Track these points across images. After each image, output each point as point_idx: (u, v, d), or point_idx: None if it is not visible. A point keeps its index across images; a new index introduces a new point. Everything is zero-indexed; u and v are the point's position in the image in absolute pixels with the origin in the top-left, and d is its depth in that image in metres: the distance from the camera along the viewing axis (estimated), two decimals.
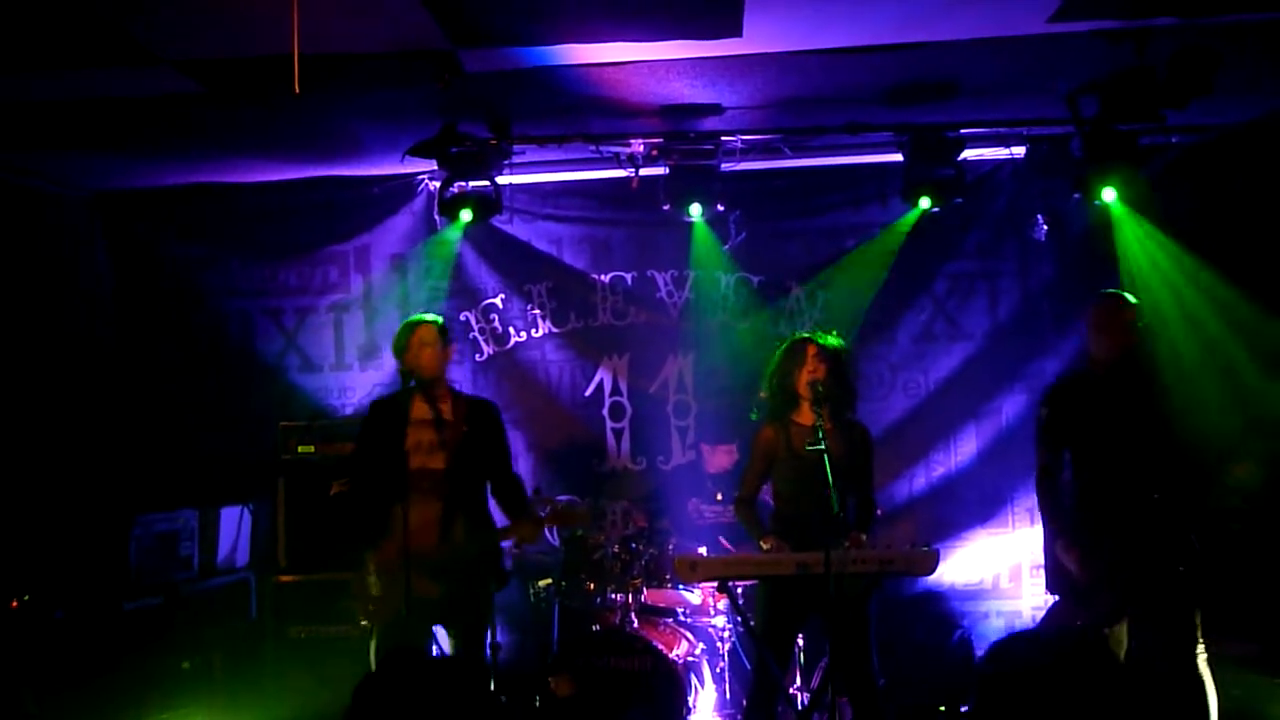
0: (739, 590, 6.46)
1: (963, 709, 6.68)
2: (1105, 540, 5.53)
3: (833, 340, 5.89)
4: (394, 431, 5.66)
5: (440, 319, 5.88)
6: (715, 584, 6.19)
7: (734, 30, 5.70)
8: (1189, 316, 7.22)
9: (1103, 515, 5.58)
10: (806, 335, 5.95)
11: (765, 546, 5.65)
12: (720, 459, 7.67)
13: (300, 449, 7.60)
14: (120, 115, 6.71)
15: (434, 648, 6.17)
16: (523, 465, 8.12)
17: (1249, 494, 6.53)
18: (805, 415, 5.70)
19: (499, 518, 6.00)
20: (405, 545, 5.27)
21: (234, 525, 7.72)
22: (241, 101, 6.52)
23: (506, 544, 6.53)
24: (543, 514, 6.14)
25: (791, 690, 6.41)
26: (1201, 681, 5.41)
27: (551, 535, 8.07)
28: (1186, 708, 5.39)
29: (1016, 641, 2.41)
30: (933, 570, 5.33)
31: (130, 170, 8.02)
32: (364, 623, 5.74)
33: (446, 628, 5.75)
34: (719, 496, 7.27)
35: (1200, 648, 5.42)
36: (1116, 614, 5.55)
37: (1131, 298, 5.89)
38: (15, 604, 6.30)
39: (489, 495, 5.94)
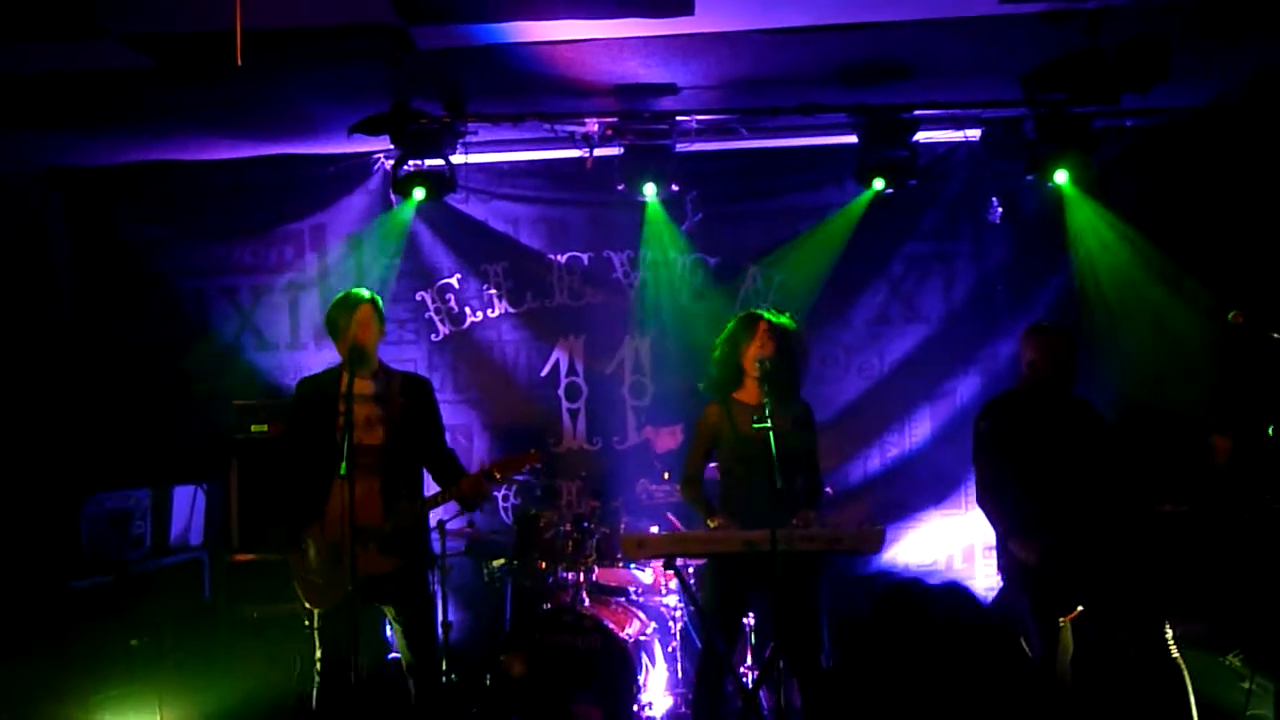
0: (689, 570, 6.47)
1: None
2: (1055, 535, 5.60)
3: (784, 320, 5.90)
4: (326, 409, 5.58)
5: (375, 294, 5.77)
6: (664, 562, 6.20)
7: (686, 8, 5.70)
8: (1139, 297, 7.28)
9: (1050, 513, 5.65)
10: (759, 312, 5.95)
11: (713, 525, 5.67)
12: (666, 440, 7.68)
13: (254, 428, 7.55)
14: (70, 91, 6.65)
15: (387, 628, 6.18)
16: (478, 444, 8.14)
17: (1218, 468, 6.59)
18: (750, 394, 5.72)
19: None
20: (350, 522, 5.22)
21: (187, 504, 7.68)
22: (192, 77, 6.47)
23: (452, 512, 6.49)
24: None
25: (741, 669, 6.44)
26: (1177, 665, 5.50)
27: (506, 515, 8.09)
28: (1164, 693, 5.47)
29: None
30: (880, 548, 5.33)
31: (85, 148, 7.96)
32: (306, 605, 5.69)
33: (392, 607, 5.71)
34: (666, 475, 7.27)
35: (1169, 632, 5.51)
36: (1068, 605, 5.61)
37: (1053, 326, 6.12)
38: None
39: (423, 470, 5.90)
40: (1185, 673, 5.51)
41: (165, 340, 8.40)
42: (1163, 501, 5.79)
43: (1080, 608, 5.55)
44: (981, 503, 5.93)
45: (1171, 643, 5.53)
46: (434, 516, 6.37)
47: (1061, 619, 5.60)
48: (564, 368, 8.29)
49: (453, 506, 6.00)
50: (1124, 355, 6.93)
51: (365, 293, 5.76)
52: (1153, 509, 5.75)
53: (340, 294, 5.82)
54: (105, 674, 6.61)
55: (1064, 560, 5.56)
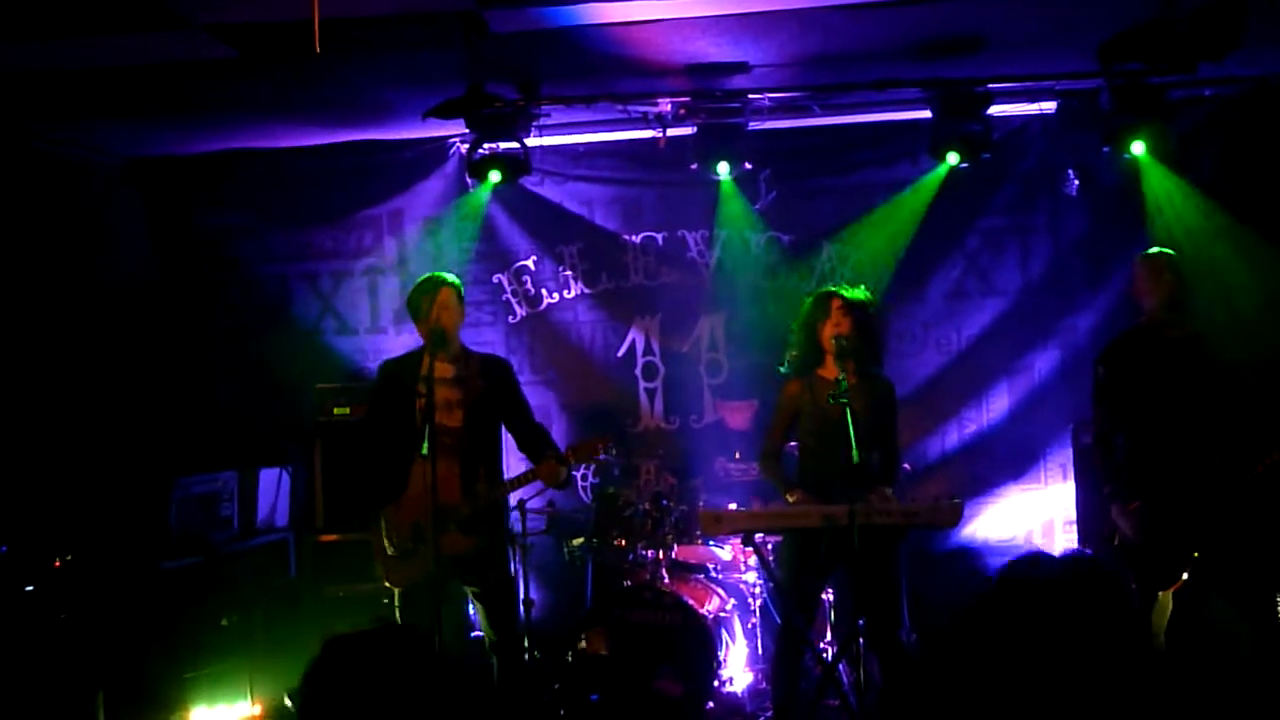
0: (768, 546, 6.51)
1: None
2: (1164, 500, 5.53)
3: (858, 294, 5.90)
4: (407, 391, 5.68)
5: (458, 279, 5.90)
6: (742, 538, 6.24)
7: None
8: (1217, 270, 7.15)
9: (1162, 475, 5.58)
10: (832, 289, 5.96)
11: (791, 499, 5.70)
12: (737, 417, 7.70)
13: (336, 411, 7.65)
14: (155, 82, 6.75)
15: (468, 606, 6.28)
16: (556, 425, 8.17)
17: None
18: (830, 369, 5.74)
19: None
20: (433, 503, 5.33)
21: (273, 486, 7.82)
22: (272, 66, 6.57)
23: (532, 491, 6.57)
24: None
25: (820, 645, 6.46)
26: None
27: (585, 494, 8.15)
28: (1263, 659, 5.41)
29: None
30: (957, 523, 5.36)
31: (166, 137, 8.10)
32: (386, 584, 5.82)
33: (474, 586, 5.82)
34: (737, 455, 7.30)
35: None
36: (1170, 577, 5.55)
37: (1156, 250, 5.98)
38: (58, 564, 6.43)
39: (505, 450, 5.98)
40: None
41: (247, 326, 8.56)
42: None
43: (1185, 577, 5.47)
44: (1095, 455, 5.87)
45: None
46: (515, 495, 6.47)
47: (1161, 592, 5.54)
48: (640, 347, 8.33)
49: (534, 485, 6.09)
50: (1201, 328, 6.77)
51: (447, 276, 5.87)
52: (1263, 467, 5.58)
53: (422, 278, 5.95)
54: (198, 652, 6.79)
55: (1165, 533, 5.49)
